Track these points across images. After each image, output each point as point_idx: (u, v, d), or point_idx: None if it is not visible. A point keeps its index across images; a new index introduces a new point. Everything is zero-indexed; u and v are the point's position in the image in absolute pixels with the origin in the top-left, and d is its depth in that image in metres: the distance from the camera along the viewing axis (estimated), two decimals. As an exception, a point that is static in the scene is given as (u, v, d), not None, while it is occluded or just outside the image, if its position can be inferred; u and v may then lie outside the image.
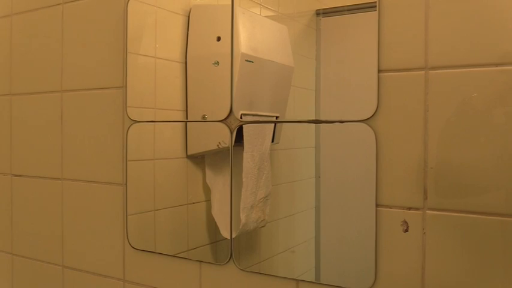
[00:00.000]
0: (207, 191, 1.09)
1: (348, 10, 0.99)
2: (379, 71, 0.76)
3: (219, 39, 1.01)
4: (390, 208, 0.76)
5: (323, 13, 1.02)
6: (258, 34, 1.04)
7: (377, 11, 0.77)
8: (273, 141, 1.02)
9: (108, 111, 1.09)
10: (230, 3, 0.95)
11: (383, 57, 0.76)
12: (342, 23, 1.02)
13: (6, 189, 1.30)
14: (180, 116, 1.09)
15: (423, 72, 0.72)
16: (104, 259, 1.12)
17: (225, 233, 0.98)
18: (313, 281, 0.88)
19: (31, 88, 1.24)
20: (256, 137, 0.99)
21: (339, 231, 0.99)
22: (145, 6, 1.10)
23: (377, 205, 0.77)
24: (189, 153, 1.08)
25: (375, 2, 0.77)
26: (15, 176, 1.28)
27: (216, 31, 1.01)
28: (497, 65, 0.68)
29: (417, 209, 0.74)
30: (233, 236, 0.95)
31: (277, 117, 1.03)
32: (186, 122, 1.08)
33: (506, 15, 0.68)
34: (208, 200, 1.08)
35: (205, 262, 0.97)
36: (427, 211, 0.73)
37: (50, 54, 1.19)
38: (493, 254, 0.69)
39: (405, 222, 0.75)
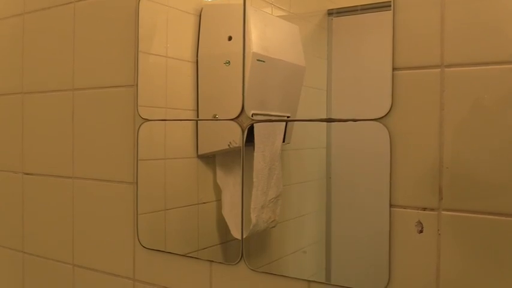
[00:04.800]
0: (217, 190, 1.08)
1: (361, 10, 0.98)
2: (394, 69, 0.75)
3: (230, 38, 1.01)
4: (405, 208, 0.75)
5: (335, 13, 1.01)
6: (270, 34, 1.03)
7: (392, 9, 0.76)
8: (284, 141, 1.01)
9: (119, 110, 1.09)
10: (242, 2, 0.95)
11: (398, 55, 0.75)
12: (354, 23, 1.01)
13: (17, 187, 1.31)
14: (191, 115, 1.09)
15: (439, 70, 0.71)
16: (114, 258, 1.11)
17: (236, 233, 0.98)
18: (324, 281, 0.87)
19: (43, 86, 1.24)
20: (267, 137, 0.99)
21: (350, 232, 0.98)
22: (157, 6, 1.10)
23: (391, 205, 0.76)
24: (199, 153, 1.08)
25: (390, 1, 0.76)
26: (27, 174, 1.29)
27: (228, 30, 1.01)
28: (513, 63, 0.67)
29: (432, 209, 0.73)
30: (244, 236, 0.95)
31: (288, 117, 1.03)
32: (197, 122, 1.08)
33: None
34: (218, 200, 1.08)
35: (215, 262, 0.96)
36: (443, 212, 0.72)
37: (62, 53, 1.20)
38: (510, 255, 0.68)
39: (420, 223, 0.74)
